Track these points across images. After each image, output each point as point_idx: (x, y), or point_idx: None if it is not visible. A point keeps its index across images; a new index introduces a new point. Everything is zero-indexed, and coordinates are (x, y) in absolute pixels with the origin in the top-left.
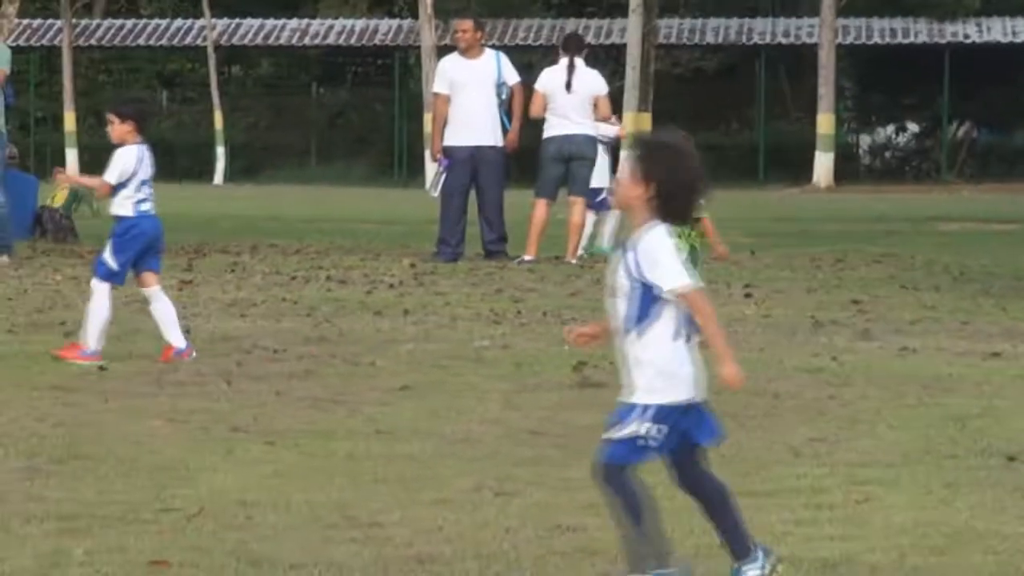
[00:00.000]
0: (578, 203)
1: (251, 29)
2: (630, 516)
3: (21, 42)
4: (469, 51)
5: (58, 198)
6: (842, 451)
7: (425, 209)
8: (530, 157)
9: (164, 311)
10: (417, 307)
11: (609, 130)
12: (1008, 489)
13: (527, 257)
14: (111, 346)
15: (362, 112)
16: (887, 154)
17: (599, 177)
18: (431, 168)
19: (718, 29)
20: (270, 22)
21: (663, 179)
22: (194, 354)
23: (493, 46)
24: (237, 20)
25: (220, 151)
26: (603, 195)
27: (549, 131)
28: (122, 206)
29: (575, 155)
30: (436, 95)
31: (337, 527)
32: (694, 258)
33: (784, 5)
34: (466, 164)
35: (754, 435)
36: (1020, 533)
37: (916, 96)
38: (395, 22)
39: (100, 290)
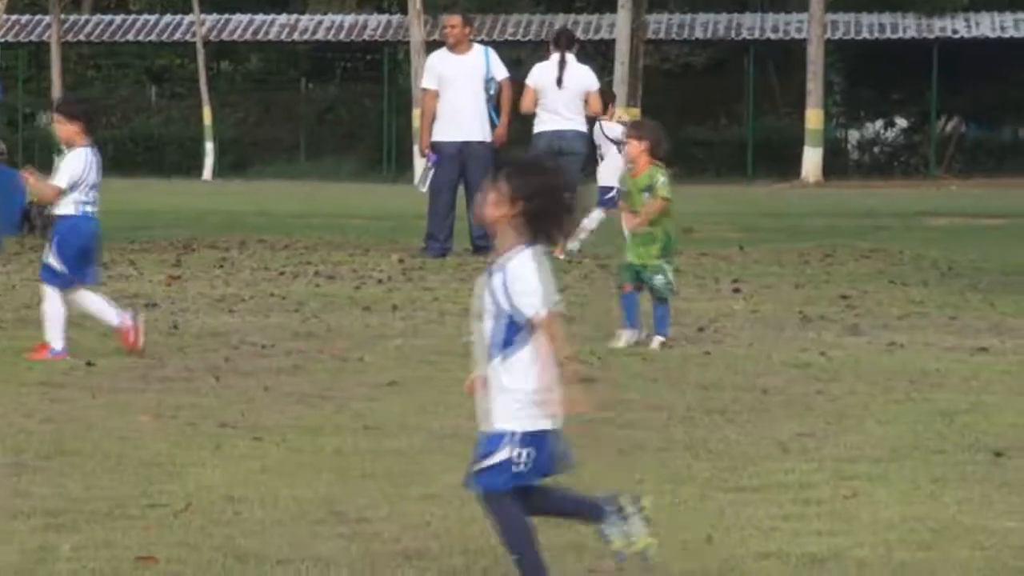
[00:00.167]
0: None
1: (240, 24)
2: (515, 544)
3: (9, 38)
4: (457, 47)
5: None
6: (830, 446)
7: (413, 204)
8: (519, 152)
9: (57, 312)
10: (405, 302)
11: (616, 129)
12: (995, 484)
13: None
14: (98, 343)
15: (351, 107)
16: (876, 149)
17: (610, 176)
18: (420, 164)
19: (707, 24)
20: (259, 17)
21: (530, 199)
22: (68, 357)
23: (482, 41)
24: (226, 16)
25: (209, 146)
26: (612, 193)
27: (539, 126)
28: (66, 206)
29: (565, 150)
30: (425, 91)
31: (324, 522)
32: (669, 247)
33: (773, 0)
34: (454, 159)
35: (742, 430)
36: (1007, 528)
37: (905, 91)
38: (384, 17)
39: (49, 292)
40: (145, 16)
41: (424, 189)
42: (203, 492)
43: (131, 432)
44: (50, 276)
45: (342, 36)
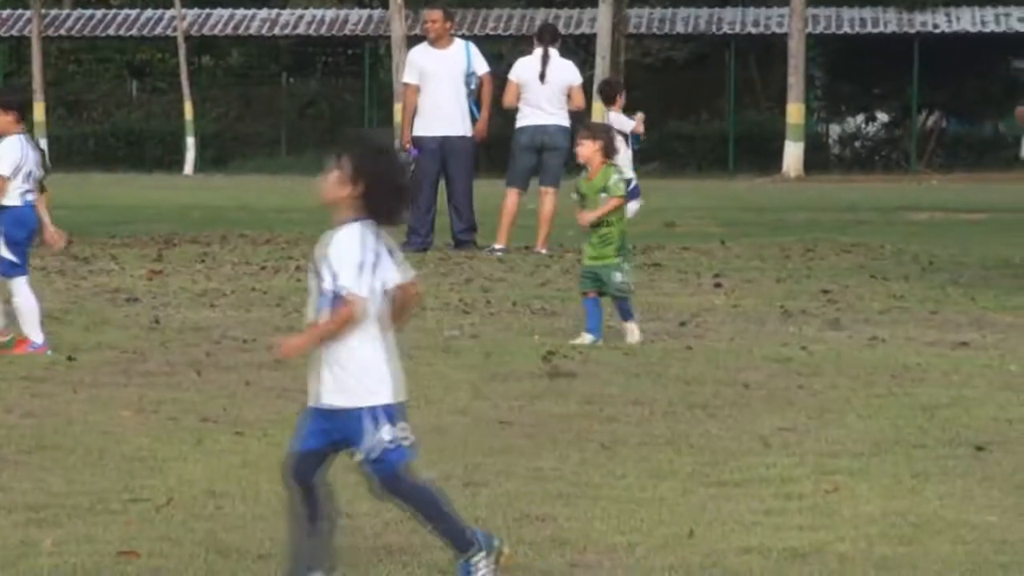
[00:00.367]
0: (548, 193)
1: (221, 19)
2: (430, 511)
3: None
4: (438, 41)
5: None
6: (811, 441)
7: None
8: (499, 147)
9: (30, 305)
10: None
11: (626, 123)
12: (977, 479)
13: (497, 246)
14: (80, 337)
15: (332, 102)
16: (857, 144)
17: (624, 168)
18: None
19: (688, 19)
20: (240, 12)
21: (373, 179)
22: (49, 352)
23: (463, 36)
24: (207, 10)
25: (190, 141)
26: (634, 183)
27: (522, 121)
28: (11, 196)
29: (547, 145)
30: (406, 85)
31: None
32: (624, 246)
33: None
34: (435, 154)
35: (723, 425)
36: (988, 522)
37: (885, 86)
38: (365, 12)
39: (17, 285)
40: (126, 11)
41: None
42: (185, 487)
43: (112, 427)
44: (9, 269)
45: (323, 31)
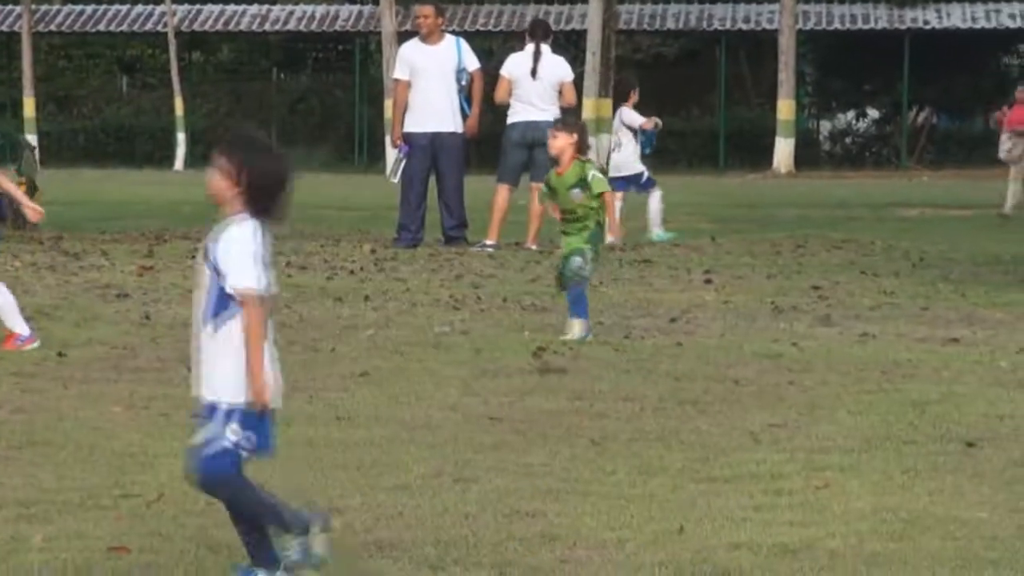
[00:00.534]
0: (539, 190)
1: (212, 15)
2: (243, 516)
3: None
4: (430, 37)
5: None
6: (802, 437)
7: (385, 195)
8: (490, 143)
9: (5, 299)
10: (377, 293)
11: (636, 119)
12: (967, 475)
13: (488, 242)
14: (70, 333)
15: (323, 98)
16: (847, 140)
17: (628, 164)
18: (391, 154)
19: (678, 15)
20: (231, 8)
21: (254, 174)
22: (36, 343)
23: (453, 32)
24: (198, 6)
25: (180, 137)
26: (646, 175)
27: (513, 117)
28: None
29: (538, 141)
30: (396, 81)
31: None
32: (598, 236)
33: None
34: (426, 150)
35: (714, 421)
36: (978, 518)
37: (876, 82)
38: (356, 8)
39: None
40: (116, 6)
41: (396, 180)
42: (175, 482)
43: (103, 422)
44: None
45: (314, 26)
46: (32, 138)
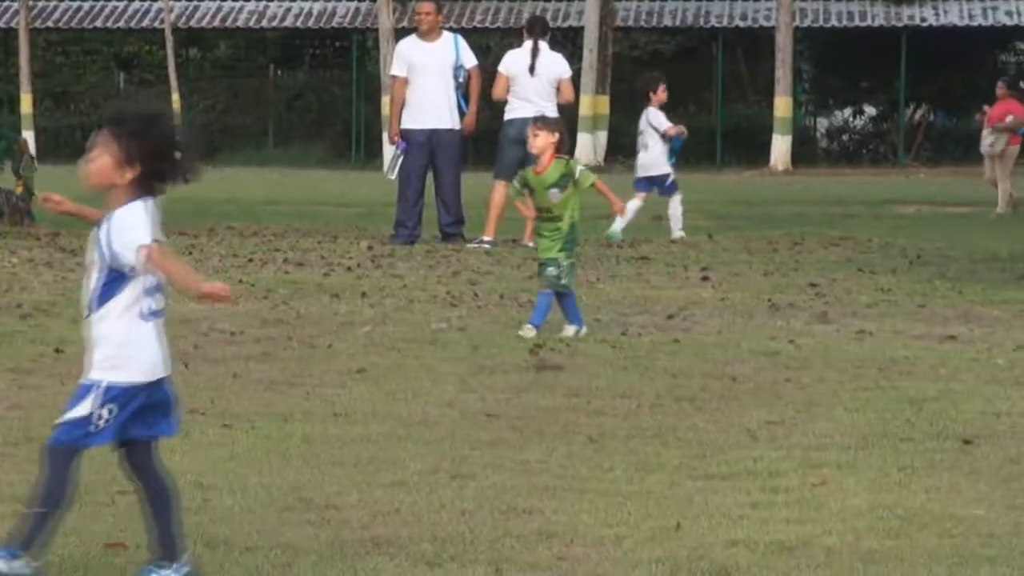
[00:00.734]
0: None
1: (209, 11)
2: (46, 500)
3: None
4: (429, 34)
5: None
6: (798, 434)
7: (382, 192)
8: (487, 140)
9: None
10: (374, 290)
11: (662, 122)
12: (964, 472)
13: (485, 238)
14: (67, 329)
15: (320, 95)
16: (844, 137)
17: (660, 164)
18: (388, 151)
19: (675, 12)
20: (228, 4)
21: (148, 157)
22: None
23: (451, 29)
24: (195, 2)
25: None
26: (671, 178)
27: (510, 113)
28: None
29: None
30: (394, 78)
31: (293, 509)
32: (573, 240)
33: None
34: (423, 147)
35: (711, 418)
36: (975, 516)
37: (873, 79)
38: (353, 4)
39: None
40: (113, 2)
41: (393, 176)
42: (172, 478)
43: None
44: None
45: (311, 23)
46: (29, 134)
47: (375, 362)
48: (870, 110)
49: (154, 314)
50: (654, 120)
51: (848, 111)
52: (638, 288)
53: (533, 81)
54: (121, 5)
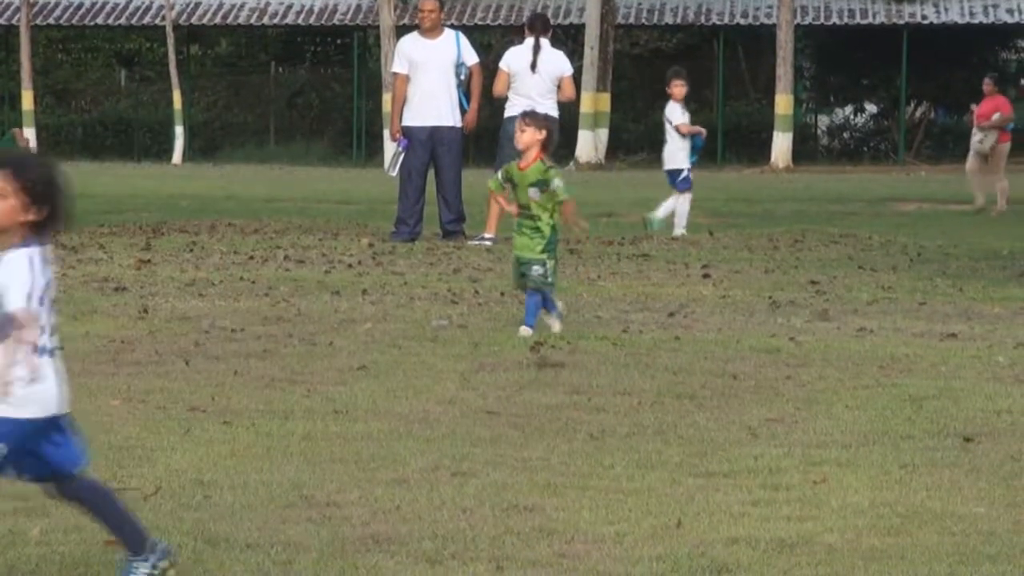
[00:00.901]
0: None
1: (210, 8)
2: None
3: None
4: (431, 31)
5: None
6: (799, 432)
7: (383, 189)
8: (488, 137)
9: None
10: (375, 287)
11: (678, 117)
12: (964, 470)
13: (486, 235)
14: (68, 326)
15: (321, 92)
16: (845, 135)
17: (676, 158)
18: (389, 148)
19: (676, 9)
20: (229, 1)
21: (54, 201)
22: None
23: (451, 26)
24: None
25: (179, 130)
26: (684, 174)
27: (511, 110)
28: None
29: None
30: (395, 75)
31: (294, 506)
32: (554, 240)
33: None
34: (425, 144)
35: (711, 415)
36: (976, 514)
37: (874, 77)
38: (354, 1)
39: None
40: (115, 0)
41: (394, 174)
42: (173, 476)
43: (101, 416)
44: None
45: (312, 20)
46: (31, 131)
47: (376, 359)
48: (871, 108)
49: (52, 351)
50: (669, 115)
51: (849, 109)
52: (639, 285)
53: (535, 78)
54: (122, 2)
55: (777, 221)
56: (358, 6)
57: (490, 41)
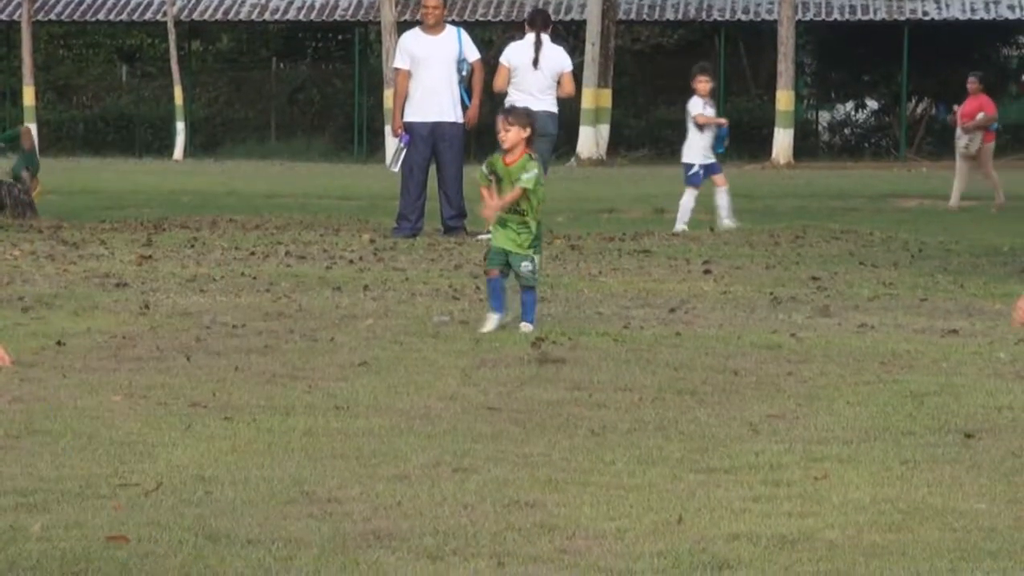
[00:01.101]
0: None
1: (211, 4)
2: None
3: None
4: (434, 27)
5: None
6: (800, 428)
7: (384, 184)
8: (489, 133)
9: None
10: (376, 283)
11: (694, 109)
12: (965, 466)
13: (488, 231)
14: (69, 322)
15: (322, 87)
16: (846, 131)
17: (690, 153)
18: (391, 144)
19: (678, 5)
20: None
21: None
22: None
23: (453, 22)
24: None
25: (180, 126)
26: (694, 169)
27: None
28: None
29: (536, 131)
30: (397, 71)
31: (295, 502)
32: (539, 237)
33: None
34: (426, 140)
35: (712, 411)
36: (977, 510)
37: (875, 73)
38: None
39: None
40: None
41: (395, 169)
42: (174, 472)
43: (102, 411)
44: None
45: (313, 16)
46: (32, 127)
47: (377, 355)
48: (872, 104)
49: None
50: (690, 108)
51: (850, 105)
52: (640, 281)
53: (536, 75)
54: None
55: (778, 217)
56: (359, 2)
57: (491, 37)
